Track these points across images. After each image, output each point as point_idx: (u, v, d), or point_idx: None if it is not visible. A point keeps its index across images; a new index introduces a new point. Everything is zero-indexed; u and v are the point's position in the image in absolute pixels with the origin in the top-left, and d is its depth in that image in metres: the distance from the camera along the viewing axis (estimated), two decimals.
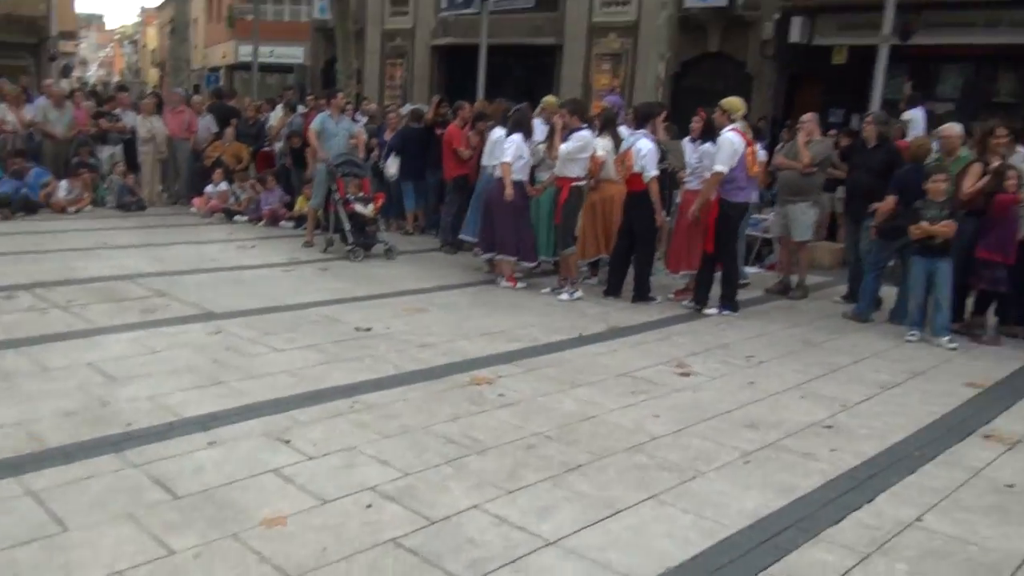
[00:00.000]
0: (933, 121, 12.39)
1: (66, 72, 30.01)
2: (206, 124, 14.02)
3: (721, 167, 7.49)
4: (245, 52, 32.59)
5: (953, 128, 7.97)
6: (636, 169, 8.00)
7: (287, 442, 4.42)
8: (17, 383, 5.08)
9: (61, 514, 3.56)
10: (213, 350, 5.97)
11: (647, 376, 5.90)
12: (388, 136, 12.12)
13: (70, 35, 33.56)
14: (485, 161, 9.45)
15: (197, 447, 4.30)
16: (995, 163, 7.36)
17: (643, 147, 8.00)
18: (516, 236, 8.49)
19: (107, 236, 10.42)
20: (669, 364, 6.20)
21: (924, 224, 7.06)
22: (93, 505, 3.66)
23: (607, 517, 3.79)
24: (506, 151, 8.31)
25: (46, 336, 6.08)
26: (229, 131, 13.64)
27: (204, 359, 5.75)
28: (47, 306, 6.94)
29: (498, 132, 9.13)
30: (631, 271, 8.36)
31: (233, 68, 37.50)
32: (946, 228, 7.00)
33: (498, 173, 8.44)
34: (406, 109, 12.62)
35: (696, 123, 8.94)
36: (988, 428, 5.20)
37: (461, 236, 10.07)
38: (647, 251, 8.27)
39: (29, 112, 12.91)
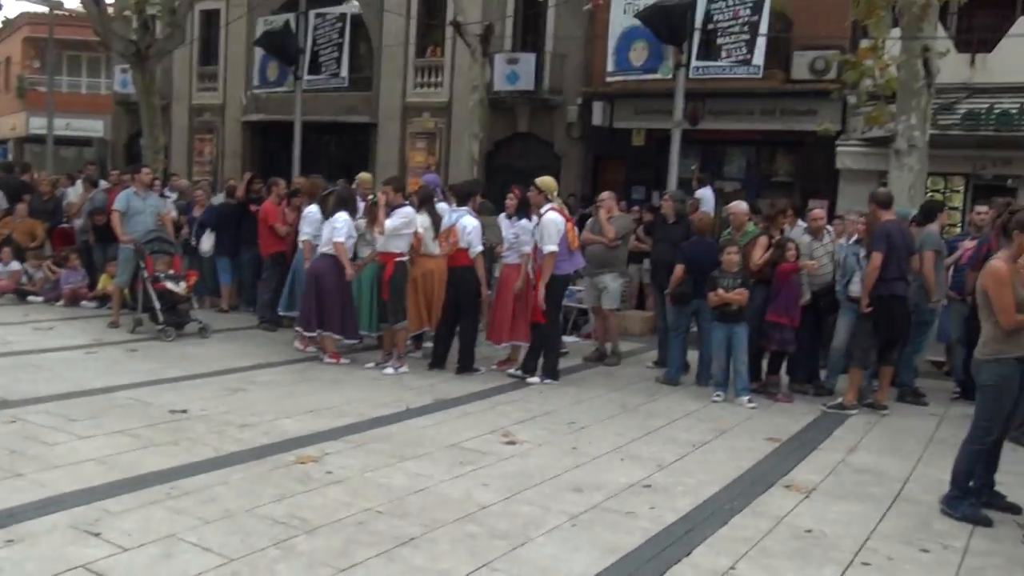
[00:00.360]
0: (721, 198, 13.55)
1: None
2: None
3: (552, 247, 7.86)
4: (38, 124, 30.74)
5: (740, 206, 8.74)
6: (462, 245, 8.24)
7: (97, 535, 4.13)
8: None
9: None
10: (8, 440, 5.50)
11: (474, 446, 5.97)
12: (196, 213, 11.80)
13: None
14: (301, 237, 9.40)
15: None
16: (777, 236, 8.15)
17: (468, 224, 8.29)
18: (342, 313, 8.44)
19: None
20: (495, 433, 6.32)
21: (720, 292, 7.67)
22: None
23: None
24: (339, 231, 8.34)
25: None
26: (21, 207, 12.73)
27: None
28: None
29: (311, 209, 9.12)
30: (455, 343, 8.49)
31: (24, 140, 35.24)
32: (739, 296, 7.64)
33: (327, 250, 8.43)
34: (218, 199, 12.29)
35: (511, 200, 9.34)
36: (787, 479, 5.63)
37: (280, 312, 9.88)
38: (471, 323, 8.47)
39: None
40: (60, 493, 4.64)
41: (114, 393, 6.91)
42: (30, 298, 11.63)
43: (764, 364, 8.27)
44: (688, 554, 4.31)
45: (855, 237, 8.23)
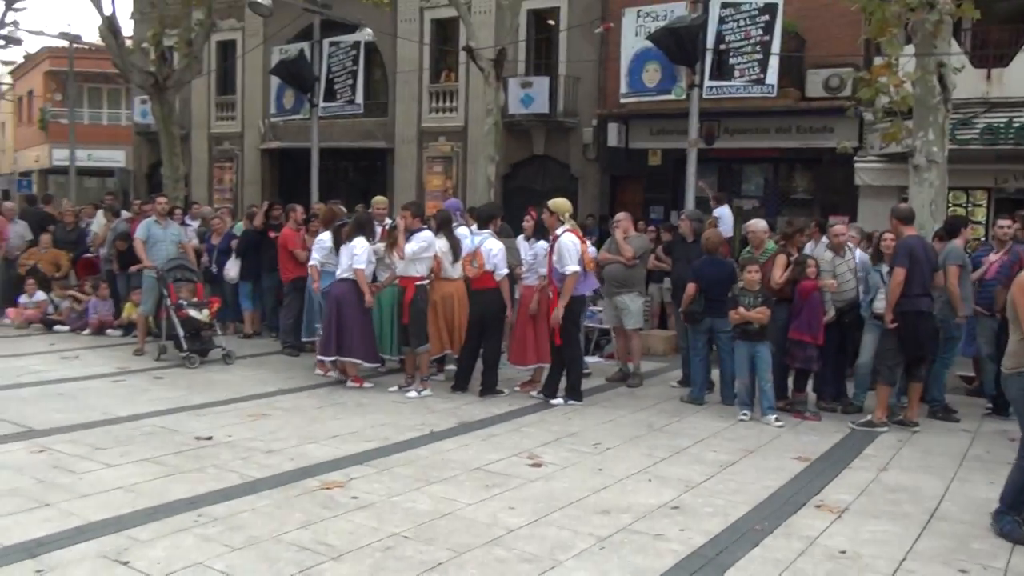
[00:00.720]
0: (740, 216, 13.51)
1: None
2: (19, 231, 13.22)
3: (575, 267, 7.85)
4: (60, 156, 31.22)
5: (758, 224, 8.70)
6: (488, 267, 8.28)
7: (126, 563, 4.14)
8: None
9: None
10: (37, 470, 5.54)
11: (500, 469, 5.94)
12: (215, 240, 11.91)
13: None
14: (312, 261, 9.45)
15: None
16: (795, 254, 8.11)
17: (493, 247, 8.34)
18: (362, 338, 8.45)
19: None
20: (520, 456, 6.28)
21: (741, 310, 7.62)
22: None
23: None
24: (358, 258, 8.39)
25: None
26: (46, 237, 12.93)
27: (27, 480, 5.32)
28: None
29: (323, 236, 9.21)
30: (477, 365, 8.48)
31: (48, 172, 35.74)
32: (760, 315, 7.58)
33: (347, 275, 8.45)
34: (239, 229, 12.39)
35: (528, 222, 9.37)
36: (818, 498, 5.54)
37: (303, 338, 9.92)
38: (495, 345, 8.46)
39: None
40: (89, 522, 4.66)
41: (140, 421, 6.95)
42: (56, 327, 11.75)
43: (790, 382, 8.19)
44: None
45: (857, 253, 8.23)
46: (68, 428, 6.65)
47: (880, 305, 7.59)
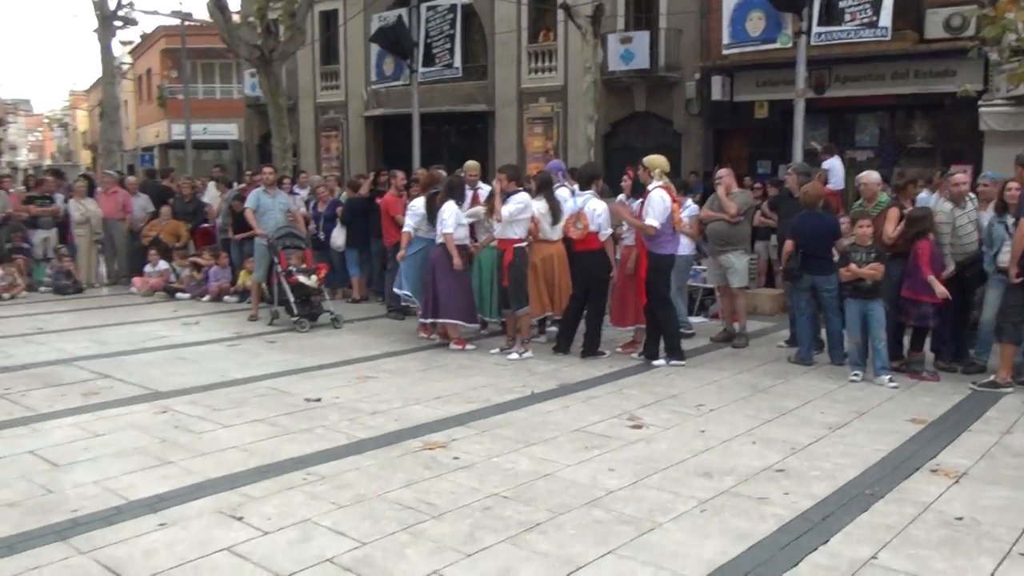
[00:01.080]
0: (854, 168, 12.94)
1: None
2: (141, 204, 13.92)
3: (655, 221, 7.71)
4: (178, 131, 32.64)
5: (871, 175, 8.29)
6: (592, 228, 8.23)
7: (240, 519, 4.33)
8: None
9: None
10: (159, 430, 5.85)
11: (600, 430, 5.92)
12: (321, 208, 12.21)
13: None
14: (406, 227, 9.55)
15: (147, 530, 4.18)
16: (909, 207, 7.70)
17: (597, 207, 8.27)
18: (458, 300, 8.56)
19: (44, 321, 10.22)
20: (621, 417, 6.25)
21: (852, 267, 7.31)
22: None
23: (568, 575, 3.77)
24: (446, 222, 8.47)
25: None
26: (165, 210, 13.57)
27: (150, 440, 5.63)
28: None
29: (416, 202, 9.31)
30: (579, 327, 8.46)
31: (167, 147, 37.45)
32: (873, 271, 7.25)
33: (441, 238, 8.58)
34: (343, 197, 12.64)
35: (625, 182, 9.24)
36: (934, 463, 5.29)
37: (405, 303, 10.11)
38: (599, 307, 8.42)
39: None
40: (206, 479, 4.89)
41: (254, 383, 7.24)
42: (178, 295, 12.37)
43: (906, 341, 7.83)
44: (825, 542, 4.12)
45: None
46: (188, 390, 6.99)
47: (1005, 259, 7.14)
